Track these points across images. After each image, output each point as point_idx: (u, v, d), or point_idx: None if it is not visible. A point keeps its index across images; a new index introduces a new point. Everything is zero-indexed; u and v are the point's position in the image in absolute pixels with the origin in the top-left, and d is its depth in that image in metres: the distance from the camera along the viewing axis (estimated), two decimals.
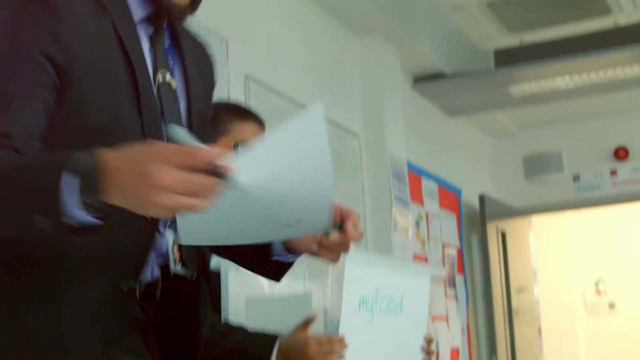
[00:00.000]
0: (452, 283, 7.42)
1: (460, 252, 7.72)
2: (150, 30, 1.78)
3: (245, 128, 2.76)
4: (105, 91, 1.64)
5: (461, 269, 7.69)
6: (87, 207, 1.40)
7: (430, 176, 7.26)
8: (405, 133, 6.68)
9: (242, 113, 2.89)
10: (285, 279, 1.94)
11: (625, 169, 8.63)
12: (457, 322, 7.37)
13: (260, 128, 2.86)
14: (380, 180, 6.23)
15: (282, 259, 1.89)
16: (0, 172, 1.44)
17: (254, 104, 4.92)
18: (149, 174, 1.35)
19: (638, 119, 8.58)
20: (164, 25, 1.80)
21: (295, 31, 5.58)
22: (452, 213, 7.69)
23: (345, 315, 2.63)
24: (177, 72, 1.82)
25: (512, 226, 8.53)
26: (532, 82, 7.14)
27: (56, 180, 1.39)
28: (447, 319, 7.17)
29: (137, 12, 1.74)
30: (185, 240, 1.53)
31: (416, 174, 6.95)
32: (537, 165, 8.62)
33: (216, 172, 1.38)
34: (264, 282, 3.08)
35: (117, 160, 1.39)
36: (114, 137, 1.60)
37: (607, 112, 8.55)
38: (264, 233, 1.65)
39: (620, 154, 8.65)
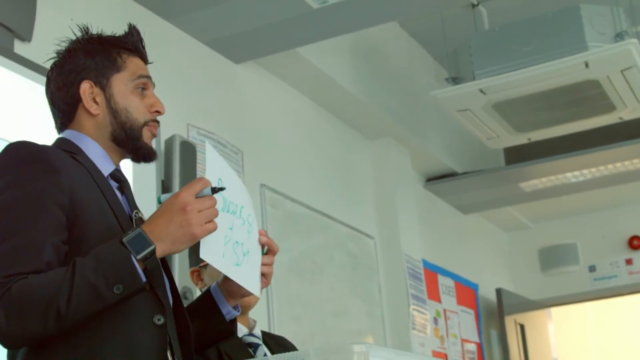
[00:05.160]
0: None
1: (480, 347, 7.76)
2: (115, 184, 2.19)
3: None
4: (101, 224, 2.03)
5: None
6: (145, 261, 1.90)
7: (446, 273, 7.35)
8: (420, 232, 6.80)
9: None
10: None
11: None
12: None
13: None
14: (396, 280, 6.33)
15: (233, 313, 2.31)
16: (70, 273, 1.86)
17: (270, 211, 5.07)
18: (183, 208, 1.94)
19: None
20: (125, 177, 2.22)
21: (308, 139, 5.75)
22: (470, 308, 7.75)
23: None
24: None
25: (531, 318, 8.57)
26: (542, 177, 7.29)
27: (125, 248, 1.89)
28: None
29: (105, 169, 2.16)
30: (206, 257, 2.04)
31: (432, 272, 7.05)
32: (552, 257, 8.68)
33: (212, 189, 1.99)
34: None
35: (152, 221, 1.96)
36: None
37: (619, 203, 8.66)
38: (238, 255, 2.17)
39: (635, 243, 8.72)
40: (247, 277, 2.19)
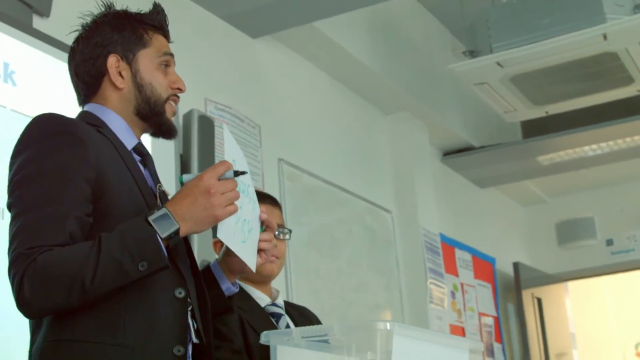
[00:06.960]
0: (490, 352, 7.46)
1: (497, 321, 7.77)
2: (138, 157, 2.25)
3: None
4: (126, 198, 2.08)
5: (499, 337, 7.73)
6: (169, 240, 1.98)
7: (463, 247, 7.36)
8: (437, 206, 6.80)
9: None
10: (330, 354, 2.12)
11: None
12: None
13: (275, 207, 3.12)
14: (414, 254, 6.33)
15: (232, 289, 2.37)
16: (96, 248, 1.91)
17: (288, 185, 5.08)
18: (207, 190, 2.00)
19: None
20: (147, 151, 2.29)
21: (325, 113, 5.75)
22: (488, 282, 7.76)
23: None
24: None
25: (548, 292, 8.57)
26: (559, 151, 7.26)
27: (150, 227, 1.94)
28: None
29: (128, 142, 2.22)
30: (223, 237, 2.10)
31: (449, 246, 7.05)
32: (569, 231, 8.65)
33: (235, 172, 2.06)
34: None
35: (176, 201, 2.01)
36: None
37: (637, 176, 8.63)
38: (250, 234, 2.26)
39: None
40: (248, 253, 2.26)
